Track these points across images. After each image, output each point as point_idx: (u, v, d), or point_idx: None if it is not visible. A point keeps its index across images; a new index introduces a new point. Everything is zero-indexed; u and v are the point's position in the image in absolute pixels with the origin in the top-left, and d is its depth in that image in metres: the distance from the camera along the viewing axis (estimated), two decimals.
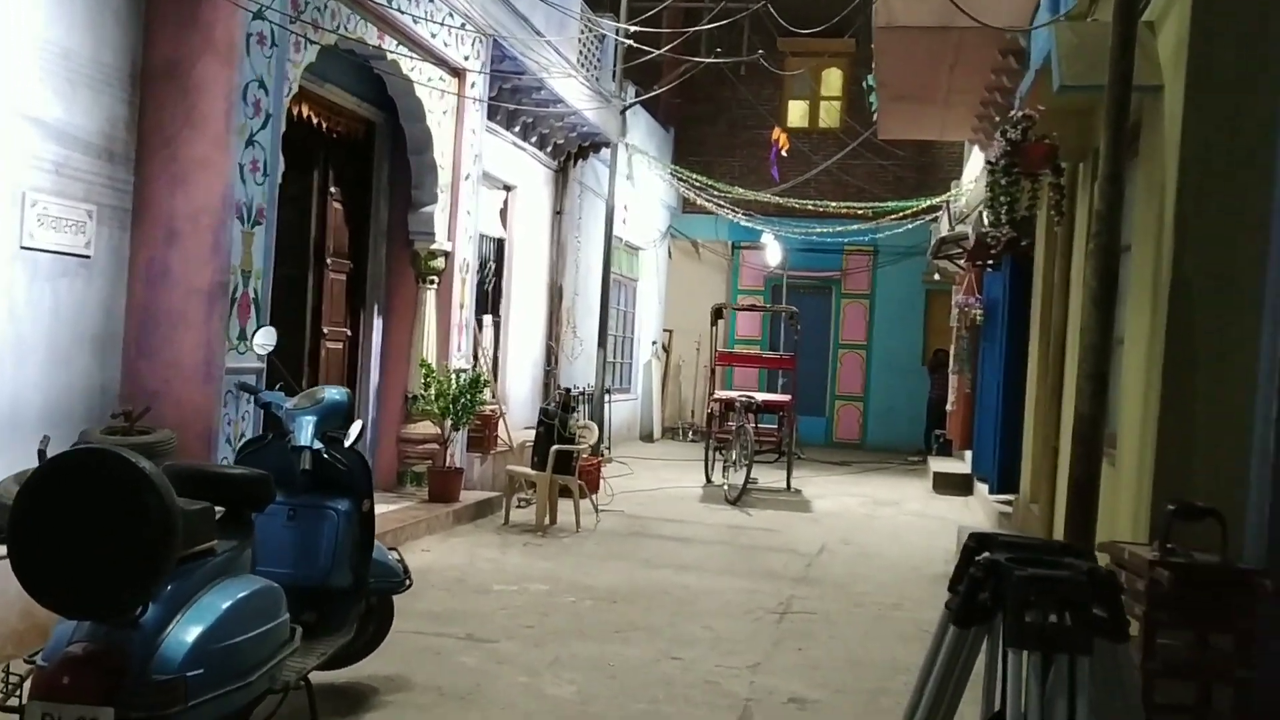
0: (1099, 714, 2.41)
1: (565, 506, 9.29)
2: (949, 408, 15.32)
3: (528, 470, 9.40)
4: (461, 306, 9.52)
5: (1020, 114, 5.84)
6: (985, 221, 6.06)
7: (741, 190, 16.82)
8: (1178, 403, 4.73)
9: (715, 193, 16.80)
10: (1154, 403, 4.82)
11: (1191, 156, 4.73)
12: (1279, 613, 4.23)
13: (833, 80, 19.49)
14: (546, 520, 8.97)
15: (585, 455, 9.88)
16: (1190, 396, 4.71)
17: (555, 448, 9.16)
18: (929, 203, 15.86)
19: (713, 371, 13.76)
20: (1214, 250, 4.69)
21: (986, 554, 2.62)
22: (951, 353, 14.91)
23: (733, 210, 17.16)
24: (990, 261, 12.01)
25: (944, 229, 14.21)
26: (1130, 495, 5.08)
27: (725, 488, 11.57)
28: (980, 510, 11.18)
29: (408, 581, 4.68)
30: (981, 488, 11.62)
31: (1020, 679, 2.38)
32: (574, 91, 11.51)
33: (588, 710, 4.68)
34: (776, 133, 16.54)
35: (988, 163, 6.42)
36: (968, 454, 13.44)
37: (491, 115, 10.30)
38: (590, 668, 5.25)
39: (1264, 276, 4.60)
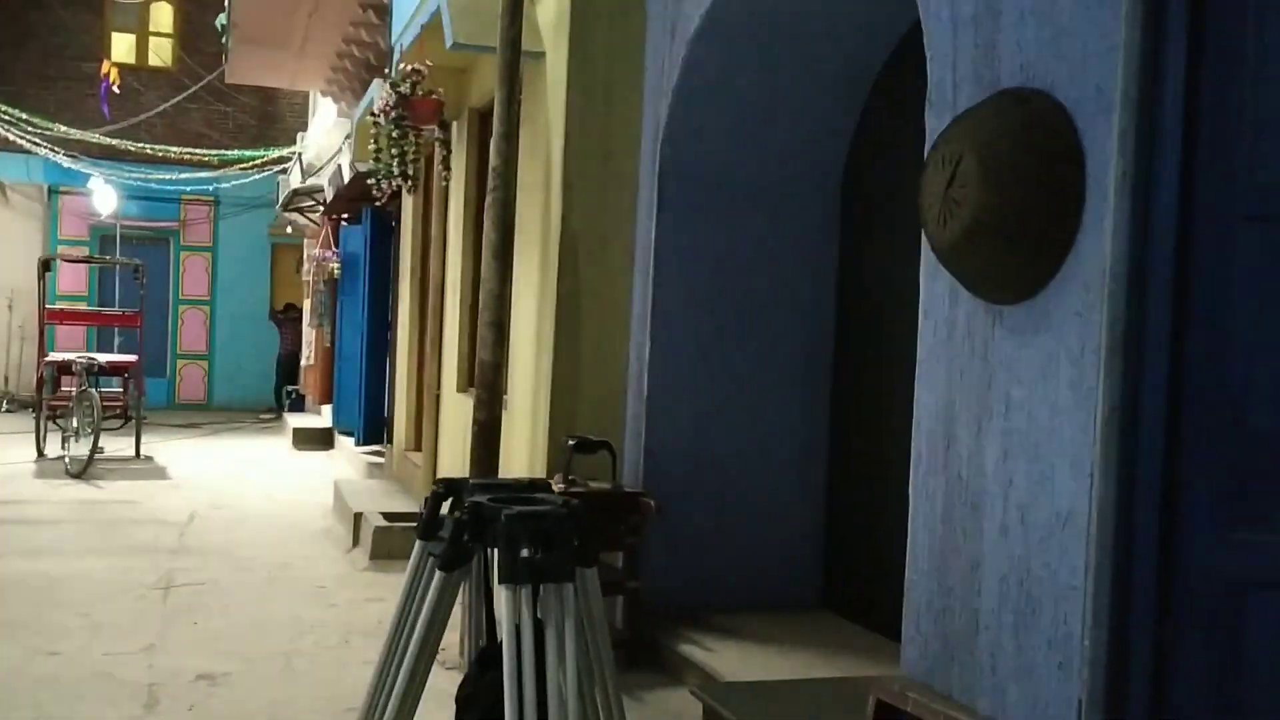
0: (581, 632, 2.58)
1: None
2: (306, 363, 15.16)
3: None
4: None
5: (410, 68, 5.91)
6: (380, 174, 6.07)
7: (64, 128, 14.99)
8: (567, 348, 5.16)
9: (29, 128, 14.78)
10: (547, 349, 5.22)
11: (574, 120, 5.15)
12: (656, 528, 4.84)
13: (163, 16, 18.06)
14: None
15: None
16: (578, 342, 5.17)
17: None
18: (279, 153, 15.44)
19: (42, 332, 12.18)
20: (594, 208, 5.17)
21: (472, 498, 2.66)
22: (307, 307, 14.74)
23: (51, 149, 15.24)
24: (347, 215, 12.06)
25: (295, 181, 13.94)
26: (525, 434, 5.46)
27: (66, 460, 10.36)
28: (348, 463, 11.26)
29: None
30: (345, 441, 11.70)
31: (516, 613, 2.46)
32: None
33: None
34: (106, 66, 14.97)
35: (372, 114, 6.41)
36: (326, 408, 13.44)
37: None
38: None
39: (634, 231, 5.19)
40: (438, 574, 2.66)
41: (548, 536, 2.55)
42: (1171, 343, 2.56)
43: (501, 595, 2.53)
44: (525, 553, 2.51)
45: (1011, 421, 2.85)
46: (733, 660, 4.32)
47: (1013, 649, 2.81)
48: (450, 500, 2.83)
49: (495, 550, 2.63)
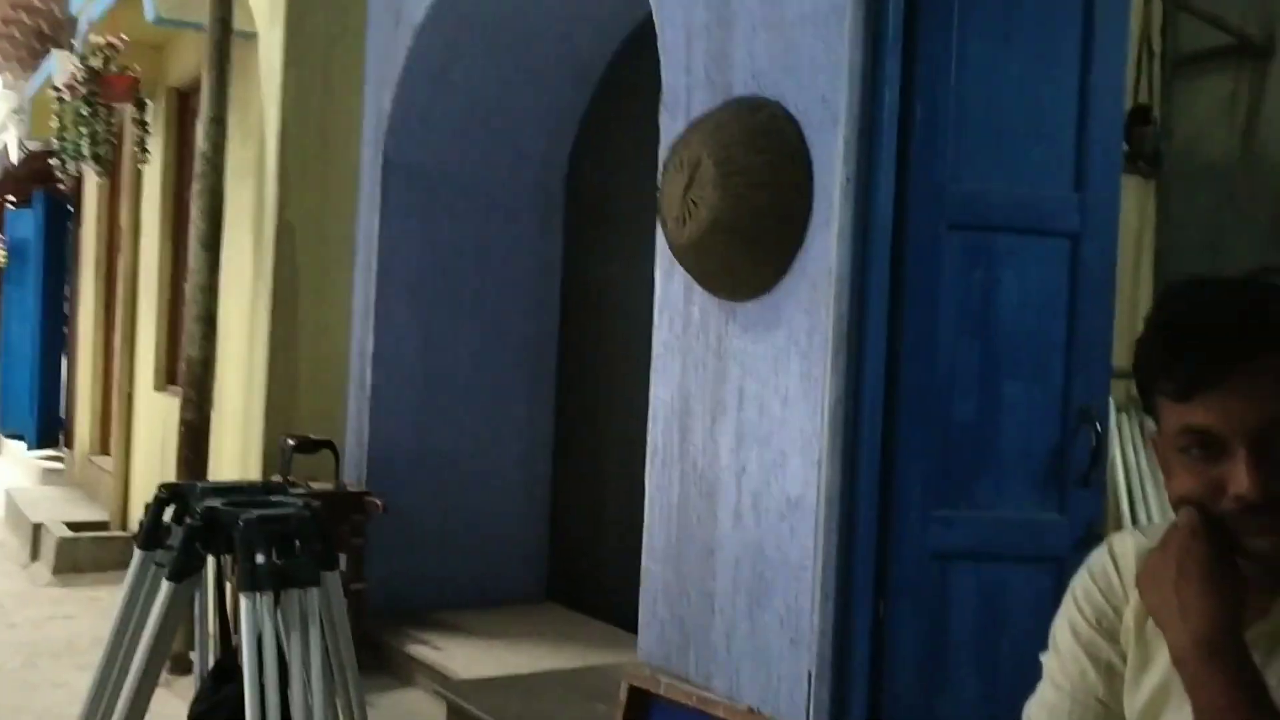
0: (324, 638, 2.49)
1: None
2: None
3: None
4: None
5: (104, 40, 5.45)
6: (66, 154, 5.54)
7: None
8: (284, 344, 4.94)
9: None
10: (261, 345, 4.97)
11: (290, 106, 4.93)
12: (380, 528, 4.72)
13: None
14: None
15: None
16: (295, 338, 4.96)
17: None
18: None
19: None
20: (313, 198, 4.97)
21: (204, 503, 2.50)
22: None
23: None
24: (14, 198, 10.98)
25: None
26: (237, 434, 5.17)
27: None
28: (20, 470, 10.24)
29: None
30: (15, 445, 10.64)
31: (257, 622, 2.34)
32: None
33: None
34: None
35: (54, 89, 5.87)
36: None
37: None
38: None
39: (356, 222, 5.03)
40: (165, 585, 2.49)
41: (288, 540, 2.45)
42: (889, 338, 2.78)
43: (241, 604, 2.40)
44: (264, 558, 2.40)
45: (745, 413, 3.00)
46: (464, 658, 4.29)
47: (747, 628, 2.96)
48: (174, 506, 2.66)
49: (231, 557, 2.50)
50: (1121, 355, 3.03)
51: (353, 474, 4.91)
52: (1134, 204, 3.85)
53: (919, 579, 2.83)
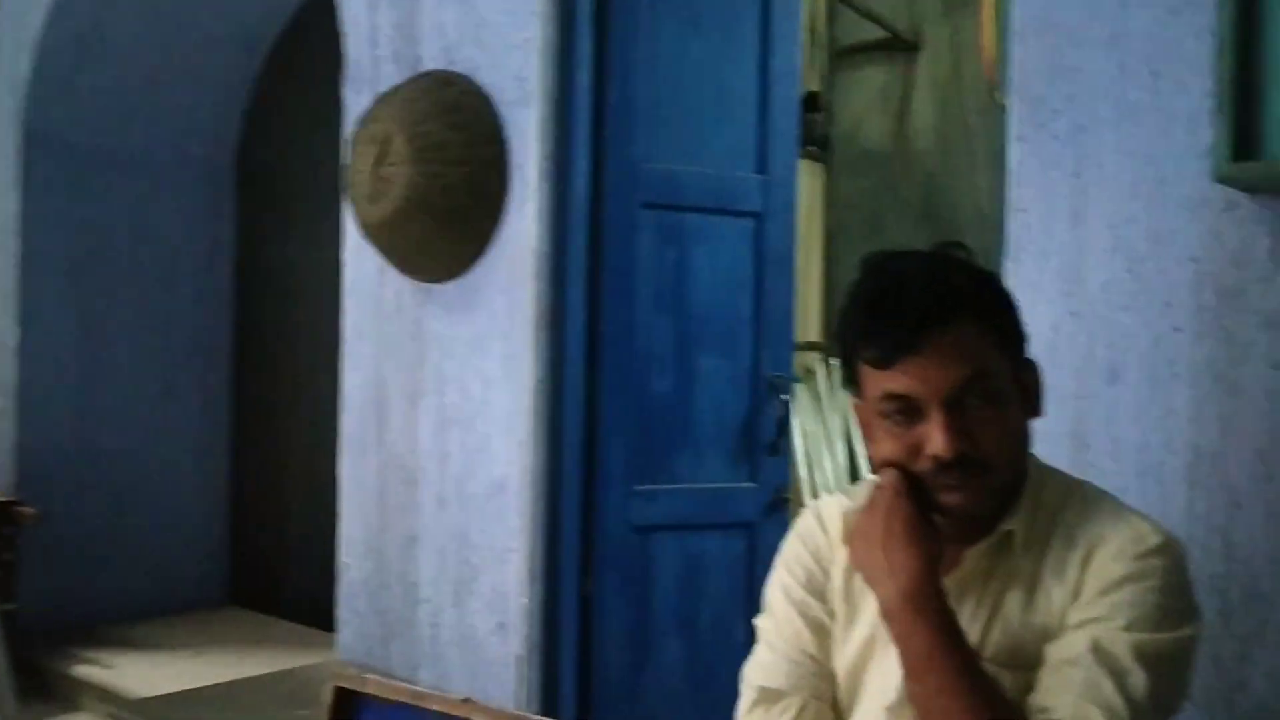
0: None
1: None
2: None
3: None
4: None
5: None
6: None
7: None
8: None
9: None
10: None
11: None
12: (36, 540, 4.27)
13: None
14: None
15: None
16: None
17: None
18: None
19: None
20: None
21: None
22: None
23: None
24: None
25: None
26: None
27: None
28: None
29: None
30: None
31: None
32: None
33: None
34: None
35: None
36: None
37: None
38: None
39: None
40: None
41: None
42: (588, 317, 2.79)
43: None
44: None
45: (446, 397, 2.93)
46: (139, 675, 3.95)
47: (454, 617, 2.90)
48: None
49: None
50: (799, 330, 3.21)
51: None
52: (806, 187, 4.09)
53: (623, 554, 2.88)
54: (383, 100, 2.92)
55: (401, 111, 2.81)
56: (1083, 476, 1.40)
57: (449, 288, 2.91)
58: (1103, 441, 1.81)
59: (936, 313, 1.22)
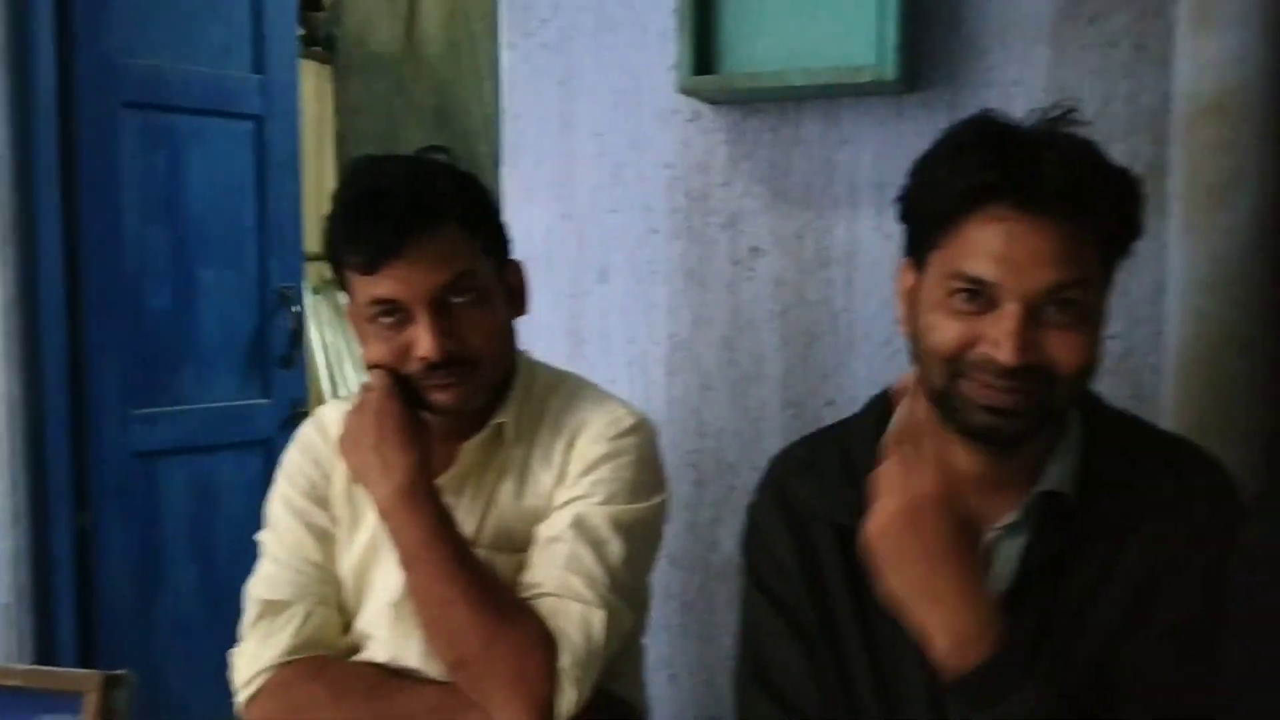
0: None
1: None
2: None
3: None
4: None
5: None
6: None
7: None
8: None
9: None
10: None
11: None
12: None
13: None
14: None
15: None
16: None
17: None
18: None
19: None
20: None
21: None
22: None
23: None
24: None
25: None
26: None
27: None
28: None
29: None
30: None
31: None
32: None
33: None
34: None
35: None
36: None
37: None
38: None
39: None
40: None
41: None
42: (65, 227, 2.52)
43: None
44: None
45: None
46: None
47: None
48: None
49: None
50: (312, 239, 3.12)
51: None
52: (313, 90, 3.94)
53: (125, 483, 2.68)
54: None
55: None
56: (579, 369, 1.49)
57: None
58: (596, 336, 1.94)
59: (418, 217, 1.23)
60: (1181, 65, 1.52)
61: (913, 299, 1.10)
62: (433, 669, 1.28)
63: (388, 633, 1.33)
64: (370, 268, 1.24)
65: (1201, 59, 1.49)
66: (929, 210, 1.06)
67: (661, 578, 1.90)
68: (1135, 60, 1.61)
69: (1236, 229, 1.48)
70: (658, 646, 1.91)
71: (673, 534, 1.90)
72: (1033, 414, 1.04)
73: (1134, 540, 1.07)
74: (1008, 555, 1.11)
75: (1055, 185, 0.99)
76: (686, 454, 1.88)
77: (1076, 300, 1.02)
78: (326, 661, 1.33)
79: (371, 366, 1.30)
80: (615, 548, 1.27)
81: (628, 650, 1.39)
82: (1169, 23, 1.56)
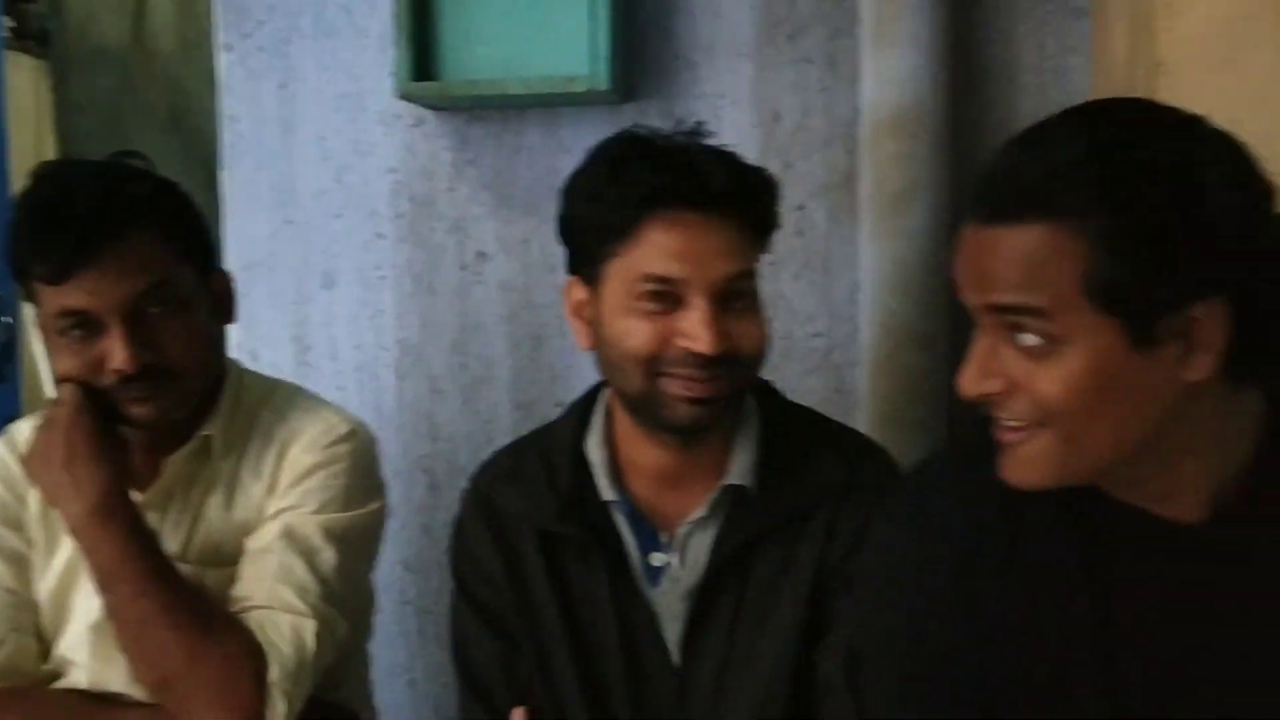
0: None
1: None
2: None
3: None
4: None
5: None
6: None
7: None
8: None
9: None
10: None
11: None
12: None
13: None
14: None
15: None
16: None
17: None
18: None
19: None
20: None
21: None
22: None
23: None
24: None
25: None
26: None
27: None
28: None
29: None
30: None
31: None
32: None
33: None
34: None
35: None
36: None
37: None
38: None
39: None
40: None
41: None
42: None
43: None
44: None
45: None
46: None
47: None
48: None
49: None
50: None
51: None
52: (29, 85, 3.68)
53: None
54: None
55: None
56: (306, 376, 1.47)
57: None
58: (322, 342, 1.91)
59: (107, 224, 1.19)
60: (865, 82, 1.65)
61: (588, 313, 1.16)
62: (138, 692, 1.24)
63: (89, 657, 1.27)
64: (57, 278, 1.18)
65: (882, 76, 1.62)
66: (599, 223, 1.12)
67: (397, 583, 1.91)
68: (829, 76, 1.73)
69: (916, 234, 1.61)
70: (395, 652, 1.91)
71: (407, 539, 1.90)
72: (727, 399, 1.12)
73: (811, 528, 1.16)
74: (698, 549, 1.18)
75: (719, 185, 1.08)
76: (419, 458, 1.89)
77: (748, 289, 1.12)
78: (24, 691, 1.26)
79: (61, 380, 1.24)
80: (328, 556, 1.26)
81: (349, 658, 1.38)
82: (856, 41, 1.69)
